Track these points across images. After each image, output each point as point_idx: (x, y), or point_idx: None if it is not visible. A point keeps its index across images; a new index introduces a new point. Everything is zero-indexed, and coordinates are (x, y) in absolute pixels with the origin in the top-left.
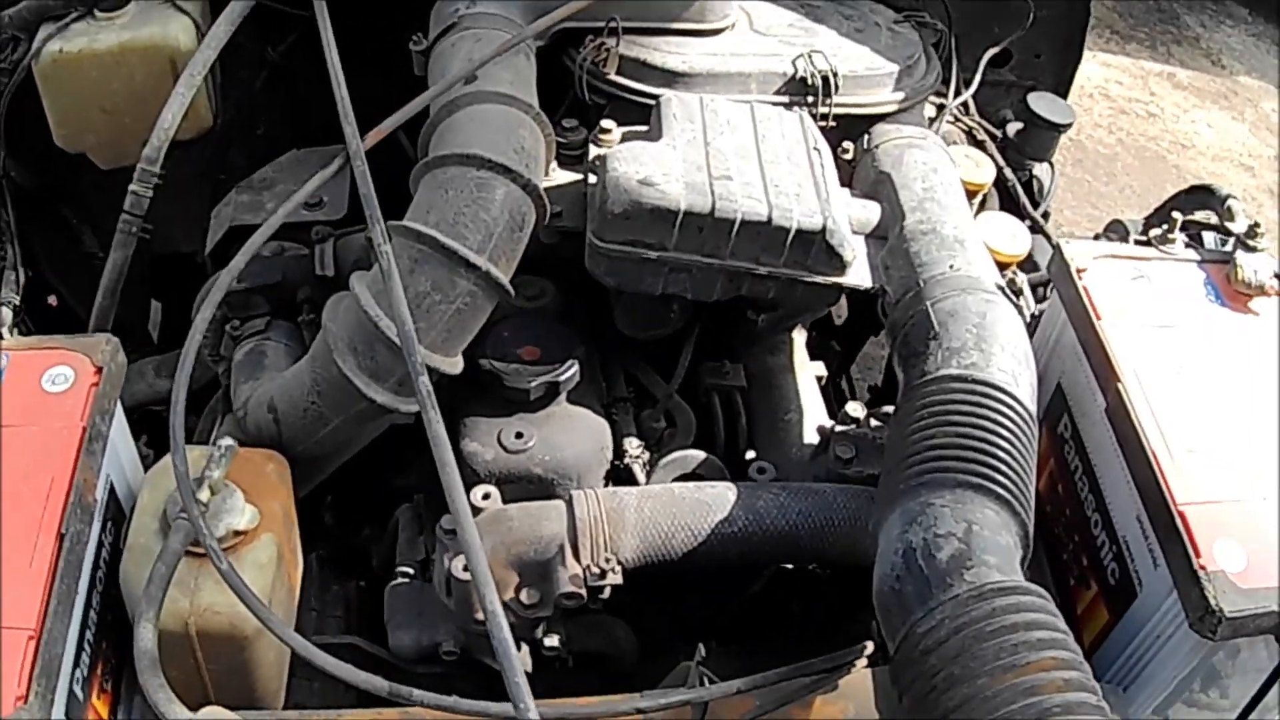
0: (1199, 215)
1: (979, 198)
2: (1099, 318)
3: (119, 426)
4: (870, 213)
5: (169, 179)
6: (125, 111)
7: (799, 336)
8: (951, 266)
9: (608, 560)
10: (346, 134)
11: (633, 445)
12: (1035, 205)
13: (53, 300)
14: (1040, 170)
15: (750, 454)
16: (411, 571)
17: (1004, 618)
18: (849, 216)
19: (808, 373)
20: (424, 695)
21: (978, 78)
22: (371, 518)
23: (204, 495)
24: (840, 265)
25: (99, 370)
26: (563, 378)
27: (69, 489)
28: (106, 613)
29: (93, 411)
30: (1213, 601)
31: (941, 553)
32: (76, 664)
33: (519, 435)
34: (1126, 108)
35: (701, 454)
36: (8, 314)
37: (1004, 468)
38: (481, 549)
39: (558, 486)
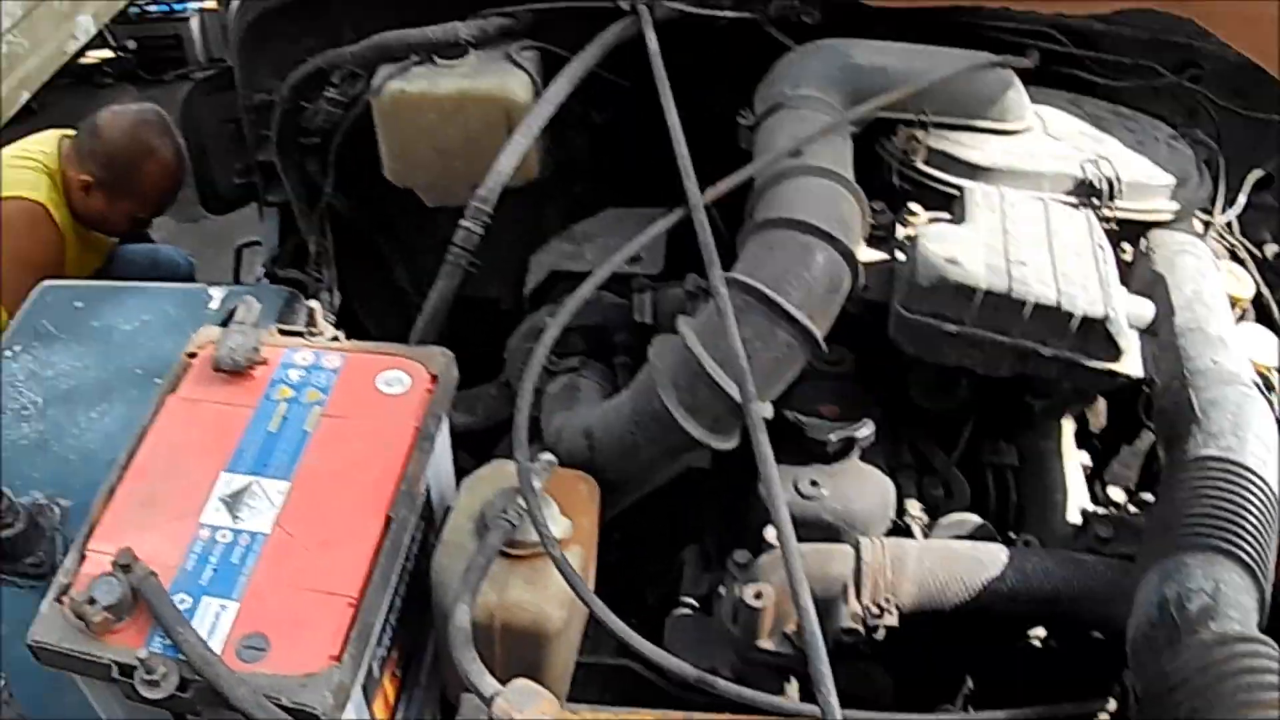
0: None
1: (1238, 310)
2: None
3: (443, 438)
4: (1145, 309)
5: (487, 224)
6: (457, 154)
7: (1068, 426)
8: (1214, 361)
9: (888, 600)
10: (688, 188)
11: (914, 507)
12: None
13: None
14: None
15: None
16: (695, 604)
17: (1243, 661)
18: (1127, 311)
19: (1074, 459)
20: (727, 685)
21: (1242, 198)
22: (654, 557)
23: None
24: (1116, 353)
25: (434, 378)
26: (859, 434)
27: (399, 479)
28: (410, 604)
29: (427, 414)
30: None
31: (1192, 604)
32: (379, 642)
33: (814, 483)
34: None
35: (977, 519)
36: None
37: (1251, 539)
38: (798, 552)
39: (844, 535)
